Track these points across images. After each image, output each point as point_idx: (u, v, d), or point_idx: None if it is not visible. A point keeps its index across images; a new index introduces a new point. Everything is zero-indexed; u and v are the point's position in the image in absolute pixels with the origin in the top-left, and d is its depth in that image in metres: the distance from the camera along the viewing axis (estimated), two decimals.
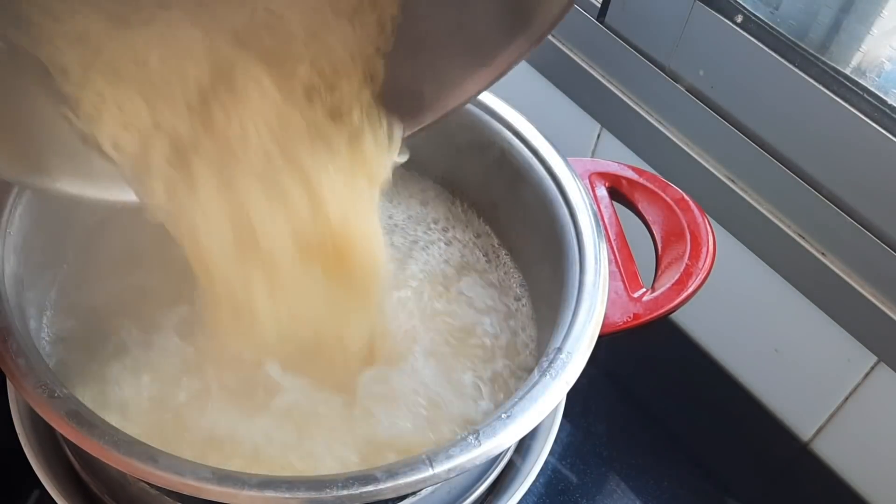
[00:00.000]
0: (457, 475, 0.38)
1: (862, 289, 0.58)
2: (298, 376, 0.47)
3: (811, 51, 0.58)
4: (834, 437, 0.66)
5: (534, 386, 0.41)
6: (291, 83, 0.42)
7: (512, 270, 0.56)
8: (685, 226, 0.51)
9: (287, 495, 0.36)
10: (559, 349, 0.43)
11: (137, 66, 0.40)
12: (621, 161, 0.56)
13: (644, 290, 0.49)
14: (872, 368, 0.61)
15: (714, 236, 0.51)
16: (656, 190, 0.53)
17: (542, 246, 0.53)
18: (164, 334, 0.49)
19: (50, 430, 0.50)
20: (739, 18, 0.60)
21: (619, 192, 0.54)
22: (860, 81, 0.56)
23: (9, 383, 0.50)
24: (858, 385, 0.62)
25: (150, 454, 0.37)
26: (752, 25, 0.60)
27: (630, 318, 0.48)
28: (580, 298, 0.45)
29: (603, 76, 0.71)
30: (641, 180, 0.54)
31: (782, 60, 0.58)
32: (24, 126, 0.41)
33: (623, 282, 0.49)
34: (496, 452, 0.39)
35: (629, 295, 0.49)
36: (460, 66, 0.44)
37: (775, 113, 0.60)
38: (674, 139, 0.67)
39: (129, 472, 0.37)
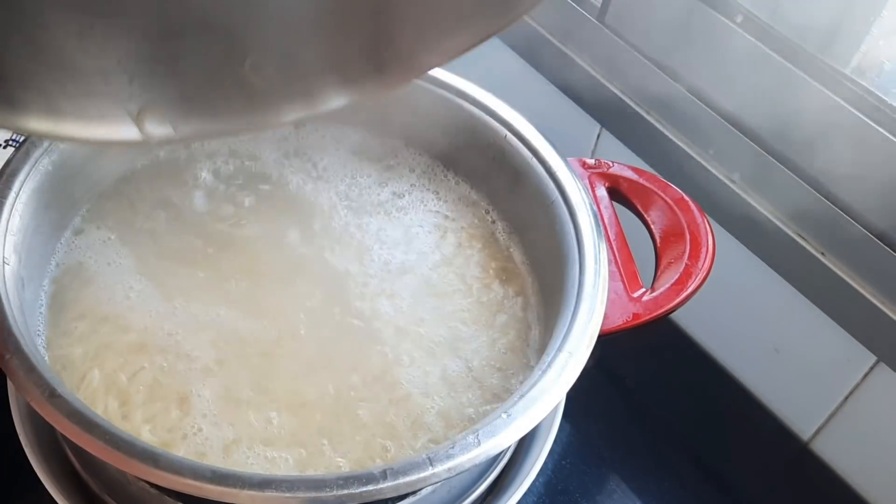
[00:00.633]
0: (457, 475, 0.38)
1: (862, 289, 0.58)
2: None
3: (811, 50, 0.58)
4: (833, 436, 0.66)
5: (534, 386, 0.41)
6: None
7: (511, 269, 0.56)
8: (685, 226, 0.51)
9: (287, 495, 0.36)
10: (559, 349, 0.43)
11: None
12: (621, 161, 0.56)
13: (644, 290, 0.49)
14: (872, 368, 0.61)
15: (713, 236, 0.51)
16: (656, 190, 0.53)
17: (541, 246, 0.53)
18: None
19: (50, 430, 0.50)
20: (739, 18, 0.60)
21: (618, 192, 0.54)
22: (860, 81, 0.56)
23: (9, 383, 0.50)
24: (858, 385, 0.62)
25: (150, 453, 0.37)
26: (753, 25, 0.60)
27: (630, 318, 0.48)
28: (580, 298, 0.45)
29: (603, 76, 0.71)
30: (641, 180, 0.54)
31: (782, 60, 0.58)
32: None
33: (623, 282, 0.49)
34: (496, 452, 0.39)
35: (629, 295, 0.49)
36: (442, 24, 0.43)
37: (775, 113, 0.60)
38: (673, 139, 0.67)
39: (129, 472, 0.37)
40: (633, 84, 0.69)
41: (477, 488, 0.49)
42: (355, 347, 0.49)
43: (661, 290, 0.49)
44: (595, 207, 0.51)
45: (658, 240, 0.52)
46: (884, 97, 0.54)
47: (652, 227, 0.53)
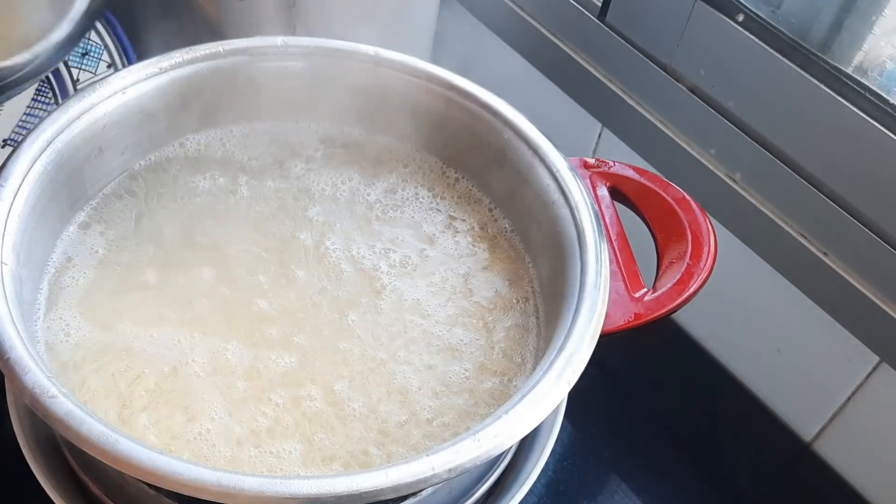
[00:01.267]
0: (457, 475, 0.38)
1: (864, 289, 0.58)
2: None
3: (813, 50, 0.57)
4: (836, 437, 0.66)
5: (535, 386, 0.41)
6: None
7: (515, 270, 0.56)
8: (686, 225, 0.51)
9: (286, 494, 0.35)
10: (561, 349, 0.43)
11: None
12: (622, 160, 0.56)
13: (645, 289, 0.49)
14: (875, 368, 0.61)
15: (715, 236, 0.51)
16: (657, 189, 0.53)
17: (543, 245, 0.53)
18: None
19: (48, 432, 0.50)
20: (741, 17, 0.60)
21: (620, 191, 0.54)
22: (862, 80, 0.55)
23: (7, 384, 0.50)
24: (860, 385, 0.62)
25: (149, 454, 0.36)
26: (754, 24, 0.60)
27: (631, 317, 0.47)
28: (581, 298, 0.45)
29: (604, 75, 0.71)
30: (642, 180, 0.54)
31: (784, 59, 0.58)
32: None
33: (624, 281, 0.49)
34: (497, 452, 0.39)
35: (630, 295, 0.48)
36: None
37: (777, 112, 0.60)
38: (675, 138, 0.67)
39: (127, 473, 0.37)
40: (635, 83, 0.69)
41: (478, 489, 0.49)
42: (354, 344, 0.49)
43: (663, 289, 0.48)
44: (596, 207, 0.51)
45: (659, 239, 0.52)
46: (886, 96, 0.54)
47: (653, 226, 0.53)
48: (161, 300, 0.50)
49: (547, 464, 0.51)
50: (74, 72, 0.73)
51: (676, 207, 0.52)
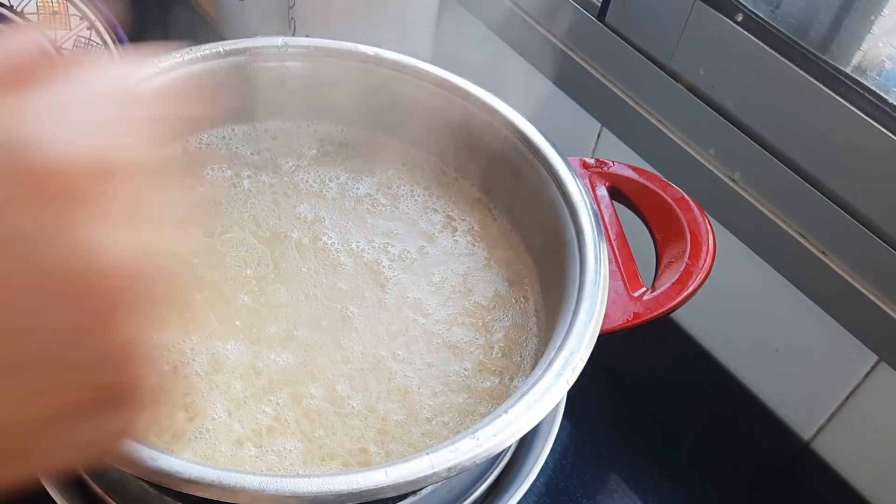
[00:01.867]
0: (457, 474, 0.38)
1: (863, 288, 0.58)
2: None
3: (812, 49, 0.58)
4: (835, 436, 0.66)
5: (534, 385, 0.41)
6: None
7: (515, 270, 0.56)
8: (685, 225, 0.51)
9: (287, 493, 0.36)
10: (560, 348, 0.43)
11: None
12: (622, 160, 0.56)
13: (644, 289, 0.49)
14: (873, 368, 0.61)
15: (714, 235, 0.51)
16: (656, 189, 0.53)
17: (542, 245, 0.53)
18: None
19: None
20: (740, 17, 0.60)
21: (619, 191, 0.54)
22: (861, 80, 0.55)
23: None
24: (859, 384, 0.62)
25: (150, 453, 0.36)
26: (753, 24, 0.60)
27: (630, 317, 0.47)
28: (580, 297, 0.45)
29: (603, 75, 0.71)
30: (641, 180, 0.54)
31: (783, 59, 0.58)
32: None
33: (623, 281, 0.49)
34: (496, 451, 0.39)
35: (629, 294, 0.48)
36: None
37: (776, 112, 0.60)
38: (674, 138, 0.67)
39: (129, 472, 0.37)
40: (634, 83, 0.69)
41: (477, 488, 0.49)
42: (353, 342, 0.49)
43: (662, 289, 0.49)
44: (595, 207, 0.51)
45: (658, 239, 0.52)
46: (885, 96, 0.54)
47: (652, 226, 0.53)
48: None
49: (546, 463, 0.51)
50: None
51: (675, 207, 0.52)
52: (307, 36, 0.59)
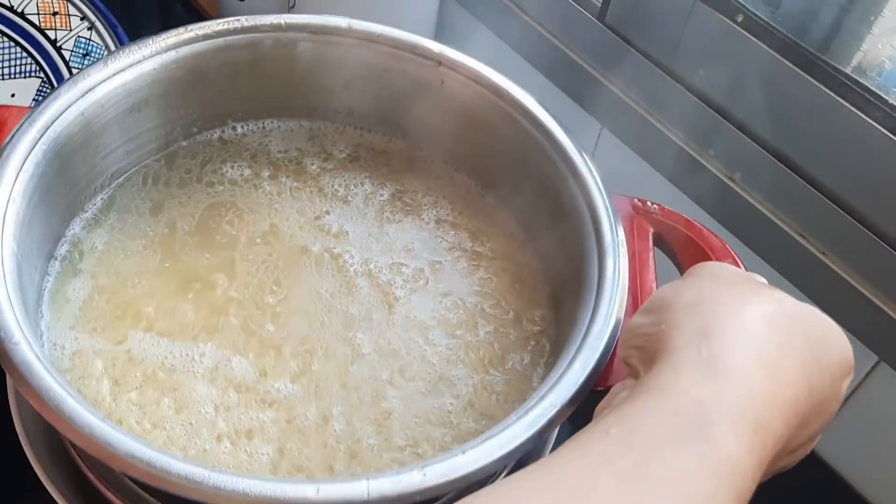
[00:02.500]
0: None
1: (863, 288, 0.58)
2: None
3: (812, 50, 0.58)
4: (834, 436, 0.66)
5: (502, 431, 0.39)
6: None
7: (528, 308, 0.55)
8: None
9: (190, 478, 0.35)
10: (542, 398, 0.40)
11: None
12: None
13: None
14: (873, 368, 0.61)
15: None
16: (702, 245, 0.51)
17: (555, 233, 0.52)
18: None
19: (49, 428, 0.50)
20: (740, 17, 0.60)
21: (663, 238, 0.52)
22: (861, 80, 0.55)
23: (8, 380, 0.50)
24: (859, 385, 0.62)
25: (127, 443, 0.36)
26: (753, 25, 0.60)
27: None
28: (581, 347, 0.43)
29: (603, 76, 0.71)
30: (689, 234, 0.51)
31: (783, 60, 0.58)
32: None
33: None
34: (443, 491, 0.37)
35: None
36: None
37: (776, 112, 0.60)
38: (674, 138, 0.67)
39: (79, 444, 0.36)
40: (634, 83, 0.69)
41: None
42: (362, 368, 0.49)
43: None
44: (625, 263, 0.47)
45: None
46: (885, 96, 0.54)
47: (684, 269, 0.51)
48: (167, 292, 0.51)
49: None
50: (75, 73, 0.74)
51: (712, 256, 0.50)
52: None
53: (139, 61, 0.52)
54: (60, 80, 0.74)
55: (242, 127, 0.60)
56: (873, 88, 0.55)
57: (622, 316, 0.44)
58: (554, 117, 0.53)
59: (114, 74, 0.51)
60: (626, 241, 0.48)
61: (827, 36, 0.59)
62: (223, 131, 0.59)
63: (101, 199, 0.54)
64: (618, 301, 0.45)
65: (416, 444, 0.46)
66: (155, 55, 0.53)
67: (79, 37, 0.75)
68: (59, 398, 0.37)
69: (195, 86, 0.55)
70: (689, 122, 0.66)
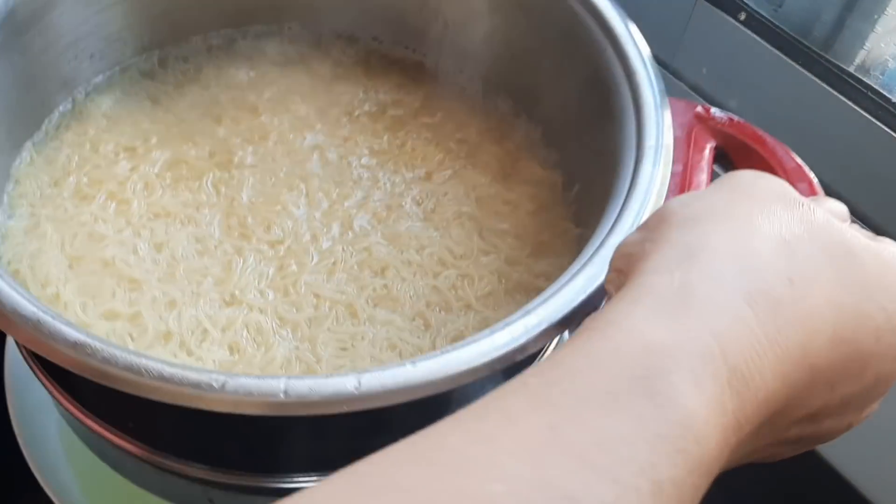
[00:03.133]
0: (375, 401, 0.32)
1: None
2: None
3: (815, 48, 0.57)
4: None
5: (495, 332, 0.35)
6: None
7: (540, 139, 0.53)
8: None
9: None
10: (546, 301, 0.36)
11: None
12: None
13: None
14: None
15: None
16: (772, 165, 0.45)
17: (583, 112, 0.48)
18: None
19: (47, 425, 0.49)
20: (743, 16, 0.60)
21: (726, 155, 0.45)
22: (864, 79, 0.55)
23: (7, 380, 0.50)
24: None
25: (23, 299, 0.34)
26: (756, 23, 0.60)
27: None
28: (628, 201, 0.38)
29: None
30: (760, 150, 0.45)
31: (786, 58, 0.58)
32: None
33: None
34: (435, 389, 0.33)
35: None
36: None
37: (778, 111, 0.60)
38: None
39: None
40: None
41: None
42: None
43: None
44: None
45: None
46: (888, 95, 0.54)
47: None
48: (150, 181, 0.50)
49: None
50: None
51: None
52: None
53: None
54: None
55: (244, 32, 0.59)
56: (876, 87, 0.55)
57: None
58: None
59: None
60: (678, 152, 0.42)
61: (830, 34, 0.59)
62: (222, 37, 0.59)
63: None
64: (646, 214, 0.38)
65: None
66: None
67: None
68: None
69: None
70: None
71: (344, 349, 0.43)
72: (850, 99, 0.56)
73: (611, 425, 0.22)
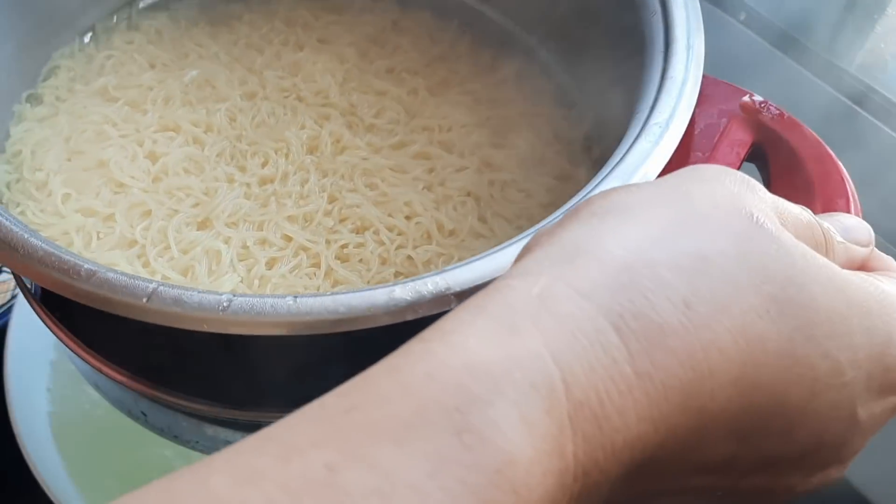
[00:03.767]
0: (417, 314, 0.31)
1: None
2: None
3: (815, 48, 0.57)
4: None
5: (503, 248, 0.33)
6: None
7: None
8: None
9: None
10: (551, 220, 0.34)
11: None
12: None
13: None
14: None
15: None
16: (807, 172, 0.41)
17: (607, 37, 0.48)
18: None
19: (47, 425, 0.49)
20: (743, 16, 0.60)
21: (763, 155, 0.41)
22: (864, 79, 0.55)
23: (7, 377, 0.50)
24: None
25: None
26: (756, 23, 0.60)
27: None
28: (633, 146, 0.36)
29: None
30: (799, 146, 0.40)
31: (786, 58, 0.58)
32: None
33: None
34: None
35: None
36: None
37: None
38: None
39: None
40: None
41: None
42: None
43: None
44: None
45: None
46: (888, 95, 0.54)
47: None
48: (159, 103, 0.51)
49: None
50: None
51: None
52: None
53: None
54: None
55: None
56: (876, 87, 0.55)
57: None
58: None
59: None
60: (703, 140, 0.39)
61: (830, 34, 0.59)
62: None
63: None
64: (648, 168, 0.35)
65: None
66: None
67: None
68: None
69: None
70: None
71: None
72: (850, 98, 0.56)
73: (403, 468, 0.18)
